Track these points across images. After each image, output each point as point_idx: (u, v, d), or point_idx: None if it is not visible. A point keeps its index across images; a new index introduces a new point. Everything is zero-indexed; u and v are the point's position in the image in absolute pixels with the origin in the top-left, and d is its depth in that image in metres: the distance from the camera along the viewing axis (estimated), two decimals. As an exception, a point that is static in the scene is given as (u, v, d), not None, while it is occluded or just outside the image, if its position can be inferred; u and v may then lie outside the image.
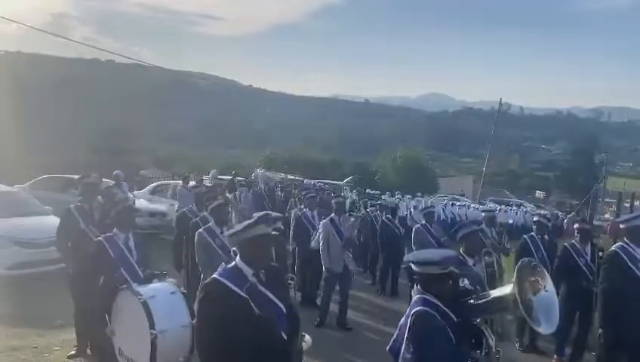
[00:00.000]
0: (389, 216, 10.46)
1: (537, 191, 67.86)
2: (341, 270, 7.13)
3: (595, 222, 14.47)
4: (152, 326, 3.93)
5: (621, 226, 5.25)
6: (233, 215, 12.28)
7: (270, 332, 2.85)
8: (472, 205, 26.19)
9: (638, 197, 28.73)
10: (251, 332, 2.78)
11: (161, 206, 13.32)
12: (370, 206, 12.34)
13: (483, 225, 6.82)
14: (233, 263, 2.99)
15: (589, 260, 6.26)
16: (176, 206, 11.76)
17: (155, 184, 16.05)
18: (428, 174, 46.59)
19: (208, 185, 13.17)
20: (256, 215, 3.17)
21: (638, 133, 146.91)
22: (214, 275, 2.95)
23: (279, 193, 15.13)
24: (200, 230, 5.35)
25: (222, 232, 5.22)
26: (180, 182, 13.39)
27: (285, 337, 2.92)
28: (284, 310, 2.97)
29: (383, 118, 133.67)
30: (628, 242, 4.90)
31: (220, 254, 5.07)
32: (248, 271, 2.91)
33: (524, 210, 28.93)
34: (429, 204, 13.82)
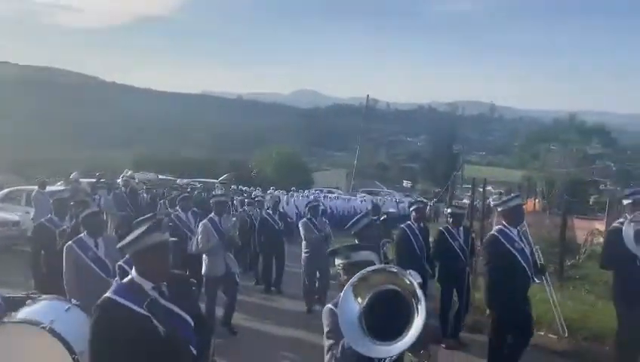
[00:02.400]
0: (269, 211, 10.38)
1: (404, 181, 72.27)
2: (223, 273, 6.72)
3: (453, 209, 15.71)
4: (71, 350, 3.35)
5: (498, 210, 5.57)
6: (109, 223, 11.38)
7: (178, 350, 2.57)
8: (359, 197, 27.18)
9: (490, 182, 31.78)
10: (157, 353, 2.49)
11: (11, 215, 11.96)
12: (248, 204, 12.16)
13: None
14: (129, 278, 2.65)
15: (462, 242, 6.72)
16: (32, 213, 10.66)
17: (6, 190, 14.37)
18: (303, 169, 47.48)
19: (64, 188, 12.10)
20: (144, 221, 2.88)
21: (488, 124, 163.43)
22: (108, 293, 2.60)
23: (144, 195, 14.15)
24: (69, 243, 4.73)
25: (96, 244, 4.72)
26: (36, 187, 12.07)
27: (195, 352, 2.65)
28: (192, 322, 2.68)
29: (256, 115, 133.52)
30: (505, 224, 5.19)
31: (94, 270, 4.61)
32: (147, 285, 2.59)
33: (395, 199, 30.80)
34: (312, 198, 13.97)
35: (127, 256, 4.12)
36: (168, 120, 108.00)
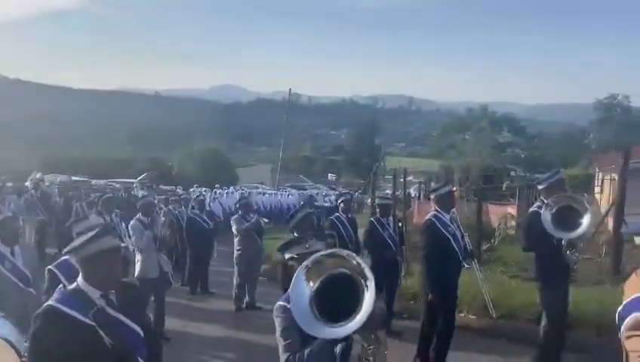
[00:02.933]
0: (195, 210, 10.08)
1: (329, 174, 73.08)
2: (157, 275, 6.48)
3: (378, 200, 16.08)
4: (19, 352, 3.01)
5: (431, 197, 5.83)
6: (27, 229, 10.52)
7: None
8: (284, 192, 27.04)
9: (410, 173, 32.88)
10: None
11: None
12: (172, 202, 11.74)
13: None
14: (74, 285, 2.43)
15: (391, 231, 6.94)
16: None
17: None
18: (226, 166, 46.74)
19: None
20: (95, 225, 2.64)
21: (408, 117, 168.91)
22: (49, 301, 2.39)
23: (57, 198, 13.33)
24: None
25: (12, 252, 4.36)
26: None
27: None
28: (142, 334, 2.50)
29: (176, 111, 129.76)
30: (438, 210, 5.46)
31: (12, 280, 4.26)
32: (94, 294, 2.39)
33: (324, 192, 31.14)
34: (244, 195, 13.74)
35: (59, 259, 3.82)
36: (82, 117, 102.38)
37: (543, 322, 5.35)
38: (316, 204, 18.89)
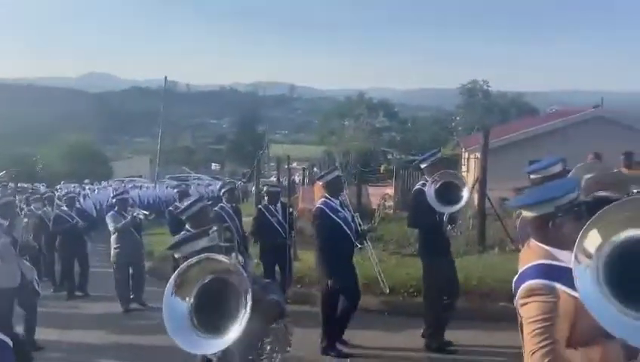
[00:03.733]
0: (63, 208, 9.28)
1: (213, 164, 71.53)
2: (19, 283, 5.77)
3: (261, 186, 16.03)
4: None
5: (319, 183, 5.89)
6: None
7: None
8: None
9: (294, 159, 33.21)
10: None
11: None
12: (34, 201, 10.65)
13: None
14: None
15: (280, 218, 6.95)
16: None
17: None
18: (99, 159, 43.74)
19: None
20: None
21: (289, 104, 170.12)
22: None
23: None
24: None
25: None
26: None
27: None
28: (11, 344, 2.22)
29: (41, 102, 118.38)
30: (327, 196, 5.52)
31: None
32: None
33: (205, 183, 30.41)
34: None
35: None
36: None
37: (427, 295, 5.66)
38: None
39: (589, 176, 3.34)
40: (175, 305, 2.22)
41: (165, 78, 39.58)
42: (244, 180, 27.77)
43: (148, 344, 6.18)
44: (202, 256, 2.35)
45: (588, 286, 1.69)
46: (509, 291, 6.61)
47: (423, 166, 5.80)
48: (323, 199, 5.58)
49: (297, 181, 27.95)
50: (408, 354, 5.61)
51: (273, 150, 50.99)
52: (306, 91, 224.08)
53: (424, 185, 5.49)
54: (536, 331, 2.00)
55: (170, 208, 7.92)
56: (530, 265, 2.22)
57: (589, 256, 1.71)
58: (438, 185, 5.23)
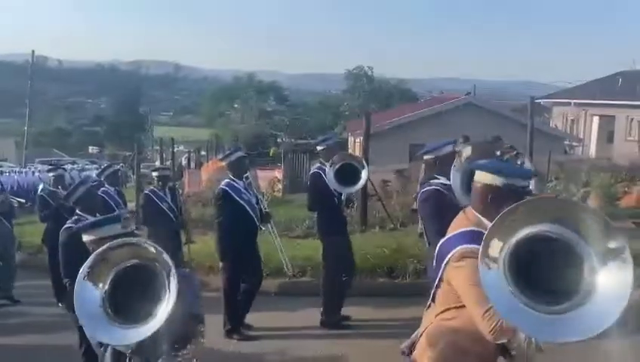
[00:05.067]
0: None
1: (90, 147, 66.87)
2: None
3: (143, 170, 15.31)
4: None
5: (222, 163, 5.72)
6: None
7: None
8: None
9: (180, 142, 32.08)
10: None
11: None
12: None
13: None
14: None
15: (170, 203, 6.71)
16: None
17: None
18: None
19: None
20: None
21: (174, 84, 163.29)
22: None
23: None
24: None
25: None
26: None
27: None
28: None
29: None
30: (232, 177, 5.44)
31: None
32: None
33: (79, 166, 28.27)
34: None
35: None
36: None
37: (327, 273, 5.79)
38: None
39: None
40: (86, 292, 2.06)
41: (33, 51, 36.00)
42: (123, 164, 26.26)
43: (20, 343, 5.81)
44: (123, 239, 2.22)
45: (497, 290, 1.75)
46: (388, 268, 6.99)
47: (319, 148, 5.88)
48: (227, 180, 5.49)
49: (183, 164, 27.06)
50: (312, 332, 5.71)
51: (157, 132, 48.83)
52: (192, 71, 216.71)
53: (320, 168, 5.62)
54: (480, 293, 1.98)
55: (41, 193, 7.20)
56: (464, 230, 2.29)
57: (494, 260, 1.78)
58: (337, 166, 5.37)
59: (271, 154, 28.12)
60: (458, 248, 2.24)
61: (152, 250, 2.11)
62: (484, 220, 2.28)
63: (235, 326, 5.55)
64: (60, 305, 6.90)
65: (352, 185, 5.53)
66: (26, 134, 33.73)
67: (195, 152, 35.75)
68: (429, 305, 2.56)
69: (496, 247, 1.78)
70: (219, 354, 5.11)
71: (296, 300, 6.62)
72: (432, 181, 3.82)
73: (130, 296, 2.09)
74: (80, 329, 4.15)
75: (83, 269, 2.10)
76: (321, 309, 5.84)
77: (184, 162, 27.54)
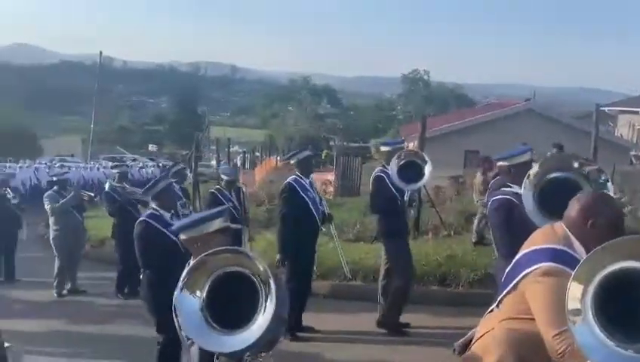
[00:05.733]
0: None
1: (150, 145, 69.32)
2: None
3: (201, 169, 15.74)
4: None
5: (291, 162, 5.82)
6: None
7: None
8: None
9: (235, 142, 32.85)
10: None
11: None
12: None
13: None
14: None
15: (235, 202, 6.77)
16: None
17: None
18: (27, 136, 41.30)
19: None
20: None
21: (231, 85, 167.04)
22: None
23: None
24: None
25: None
26: None
27: None
28: None
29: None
30: (299, 174, 5.56)
31: None
32: None
33: (140, 164, 29.40)
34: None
35: None
36: None
37: (383, 278, 5.76)
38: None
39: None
40: (185, 299, 2.07)
41: (100, 53, 37.83)
42: (181, 164, 27.14)
43: (81, 331, 5.99)
44: (223, 248, 2.20)
45: (589, 341, 1.67)
46: (440, 275, 6.84)
47: (383, 149, 5.87)
48: (294, 176, 5.57)
49: (238, 164, 27.67)
50: (368, 337, 5.63)
51: (213, 132, 50.05)
52: (248, 73, 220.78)
53: (383, 171, 5.58)
54: (554, 313, 1.98)
55: (108, 190, 7.54)
56: (552, 247, 2.24)
57: (577, 313, 1.70)
58: (401, 163, 5.35)
59: (323, 157, 28.28)
60: (543, 264, 2.19)
61: (249, 256, 2.12)
62: (576, 242, 2.23)
63: (292, 327, 5.49)
64: (119, 296, 7.31)
65: (415, 181, 5.48)
66: (92, 132, 35.35)
67: (249, 153, 36.47)
68: (491, 310, 2.52)
69: (575, 296, 1.70)
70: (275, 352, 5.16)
71: (346, 303, 6.60)
72: (504, 189, 3.70)
73: (227, 303, 2.09)
74: (160, 319, 4.28)
75: (183, 277, 2.12)
76: (381, 313, 5.76)
77: (239, 162, 28.12)
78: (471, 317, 5.93)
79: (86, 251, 8.80)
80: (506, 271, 2.46)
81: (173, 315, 2.42)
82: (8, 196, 8.38)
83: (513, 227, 2.90)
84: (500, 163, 3.87)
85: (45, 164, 22.61)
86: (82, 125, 59.00)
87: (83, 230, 8.02)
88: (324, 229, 6.05)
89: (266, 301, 2.02)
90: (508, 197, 3.56)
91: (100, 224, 9.11)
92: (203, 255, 2.14)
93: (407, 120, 39.45)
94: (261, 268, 2.06)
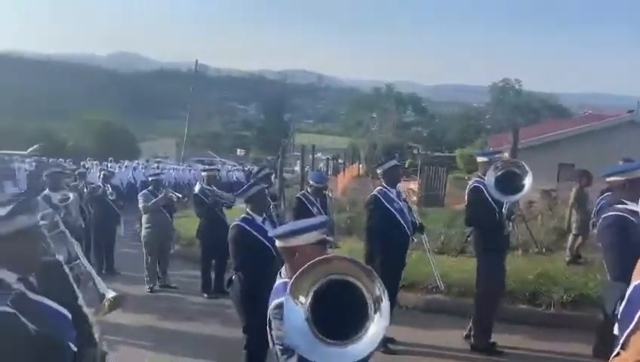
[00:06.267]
0: (98, 184, 9.19)
1: (238, 150, 72.00)
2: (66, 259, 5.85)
3: (286, 175, 16.03)
4: None
5: (378, 171, 5.73)
6: None
7: (54, 349, 2.09)
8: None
9: (319, 149, 33.16)
10: (28, 354, 1.99)
11: None
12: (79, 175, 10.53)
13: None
14: None
15: (319, 207, 6.80)
16: None
17: None
18: (126, 138, 44.34)
19: None
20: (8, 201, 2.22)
21: (317, 93, 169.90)
22: None
23: None
24: None
25: None
26: None
27: (75, 349, 2.17)
28: (70, 316, 2.20)
29: (67, 78, 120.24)
30: (384, 185, 5.46)
31: None
32: (11, 277, 2.08)
33: (228, 168, 30.70)
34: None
35: None
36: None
37: (482, 293, 5.47)
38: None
39: None
40: (291, 310, 1.98)
41: (196, 61, 39.82)
42: (267, 169, 27.96)
43: (165, 327, 6.23)
44: (331, 255, 2.10)
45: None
46: (530, 294, 6.45)
47: (480, 160, 5.63)
48: (380, 187, 5.48)
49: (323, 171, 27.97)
50: (453, 354, 5.45)
51: (298, 139, 51.00)
52: (333, 81, 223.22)
53: (479, 181, 5.34)
54: None
55: (197, 192, 7.83)
56: None
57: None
58: (499, 174, 5.05)
59: (407, 166, 27.87)
60: None
61: (355, 265, 2.01)
62: None
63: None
64: (204, 295, 7.58)
65: (514, 193, 5.08)
66: (186, 135, 37.24)
67: (332, 160, 36.76)
68: (618, 353, 2.28)
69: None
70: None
71: (432, 317, 6.44)
72: (617, 206, 3.43)
73: (332, 313, 1.98)
74: (248, 321, 4.38)
75: (290, 285, 2.04)
76: (470, 331, 5.54)
77: (322, 169, 28.41)
78: (563, 342, 5.62)
79: (176, 249, 9.20)
80: (621, 307, 2.25)
81: (267, 328, 2.40)
82: (108, 193, 8.96)
83: (628, 247, 2.64)
84: (613, 178, 3.54)
85: (141, 164, 24.09)
86: (177, 129, 62.42)
87: (172, 229, 8.38)
88: (415, 240, 5.82)
89: (375, 313, 1.93)
90: (623, 214, 3.24)
91: (190, 224, 9.51)
92: (309, 264, 2.04)
93: (496, 130, 37.93)
94: (372, 279, 1.98)
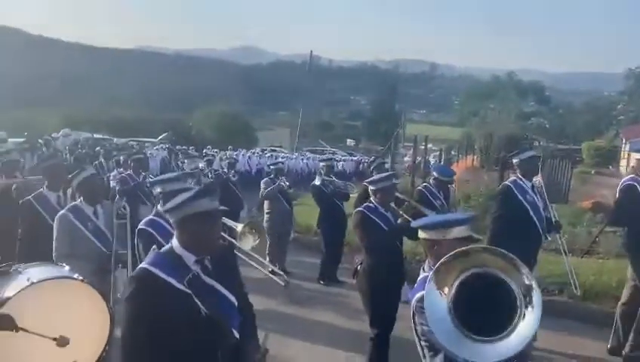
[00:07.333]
0: (224, 170, 9.80)
1: (348, 140, 72.59)
2: None
3: (396, 165, 15.88)
4: (107, 302, 2.63)
5: (513, 161, 5.41)
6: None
7: (220, 334, 2.24)
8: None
9: (431, 140, 32.42)
10: (196, 336, 2.18)
11: None
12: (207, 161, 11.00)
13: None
14: (167, 248, 2.30)
15: (442, 200, 6.54)
16: None
17: None
18: (245, 128, 46.65)
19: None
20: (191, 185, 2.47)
21: (430, 83, 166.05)
22: (144, 264, 2.26)
23: (67, 156, 12.36)
24: (64, 211, 4.01)
25: (95, 212, 4.07)
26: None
27: (238, 335, 2.32)
28: (236, 302, 2.36)
29: (193, 72, 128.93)
30: (519, 176, 5.17)
31: (94, 243, 4.02)
32: (189, 259, 2.24)
33: (339, 157, 31.16)
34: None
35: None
36: (96, 76, 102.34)
37: (626, 301, 5.09)
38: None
39: None
40: (434, 302, 1.92)
41: (311, 52, 40.67)
42: (372, 158, 27.94)
43: (292, 313, 6.42)
44: (477, 246, 2.04)
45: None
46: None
47: (636, 157, 5.24)
48: (514, 178, 5.21)
49: (432, 162, 27.35)
50: None
51: (410, 129, 50.18)
52: (448, 70, 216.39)
53: (634, 179, 4.94)
54: None
55: (317, 183, 7.91)
56: None
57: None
58: None
59: (526, 159, 26.31)
60: None
61: (496, 255, 1.92)
62: None
63: None
64: (320, 282, 7.75)
65: None
66: (299, 125, 38.27)
67: (444, 151, 35.71)
68: None
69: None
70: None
71: (552, 321, 6.05)
72: None
73: (475, 307, 1.90)
74: (374, 313, 4.41)
75: (430, 276, 2.01)
76: (617, 340, 5.09)
77: (433, 160, 27.80)
78: None
79: (293, 237, 9.46)
80: None
81: (412, 323, 2.32)
82: (232, 178, 9.48)
83: None
84: None
85: (256, 153, 25.24)
86: (292, 119, 64.46)
87: (289, 216, 8.60)
88: (549, 238, 5.42)
89: (526, 306, 1.82)
90: None
91: (309, 211, 9.71)
92: (451, 254, 1.98)
93: (631, 121, 34.43)
94: (517, 268, 1.88)
